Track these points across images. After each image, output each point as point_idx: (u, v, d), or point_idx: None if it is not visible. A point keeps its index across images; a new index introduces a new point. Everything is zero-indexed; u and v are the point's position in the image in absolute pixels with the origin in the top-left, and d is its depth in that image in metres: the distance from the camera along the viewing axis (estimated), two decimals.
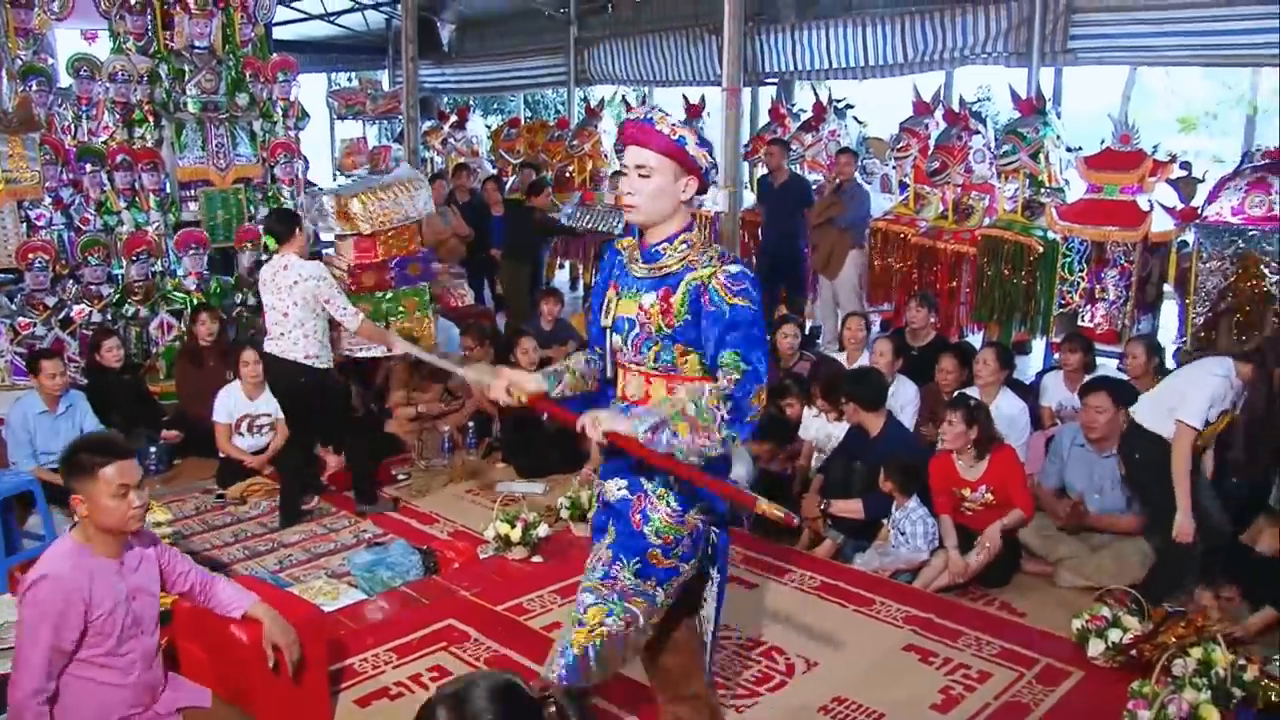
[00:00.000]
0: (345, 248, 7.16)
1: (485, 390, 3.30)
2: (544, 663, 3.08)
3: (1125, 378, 5.79)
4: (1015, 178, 8.01)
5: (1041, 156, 7.94)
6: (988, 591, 4.89)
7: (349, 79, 17.28)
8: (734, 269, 2.88)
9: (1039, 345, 8.43)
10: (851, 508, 5.29)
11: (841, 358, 6.73)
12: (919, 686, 4.06)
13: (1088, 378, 5.70)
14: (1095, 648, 4.16)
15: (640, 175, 2.90)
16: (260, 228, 5.80)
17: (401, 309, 7.16)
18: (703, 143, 2.95)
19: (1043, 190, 7.99)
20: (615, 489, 3.04)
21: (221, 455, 6.38)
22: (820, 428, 5.95)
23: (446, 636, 4.41)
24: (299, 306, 5.59)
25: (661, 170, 2.90)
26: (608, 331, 3.06)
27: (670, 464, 2.79)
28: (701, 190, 3.00)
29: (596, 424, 2.79)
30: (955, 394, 5.61)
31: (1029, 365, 8.46)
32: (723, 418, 2.74)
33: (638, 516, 2.98)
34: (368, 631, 4.43)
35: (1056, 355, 6.56)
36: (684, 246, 2.94)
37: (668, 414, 2.76)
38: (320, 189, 8.78)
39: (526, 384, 3.14)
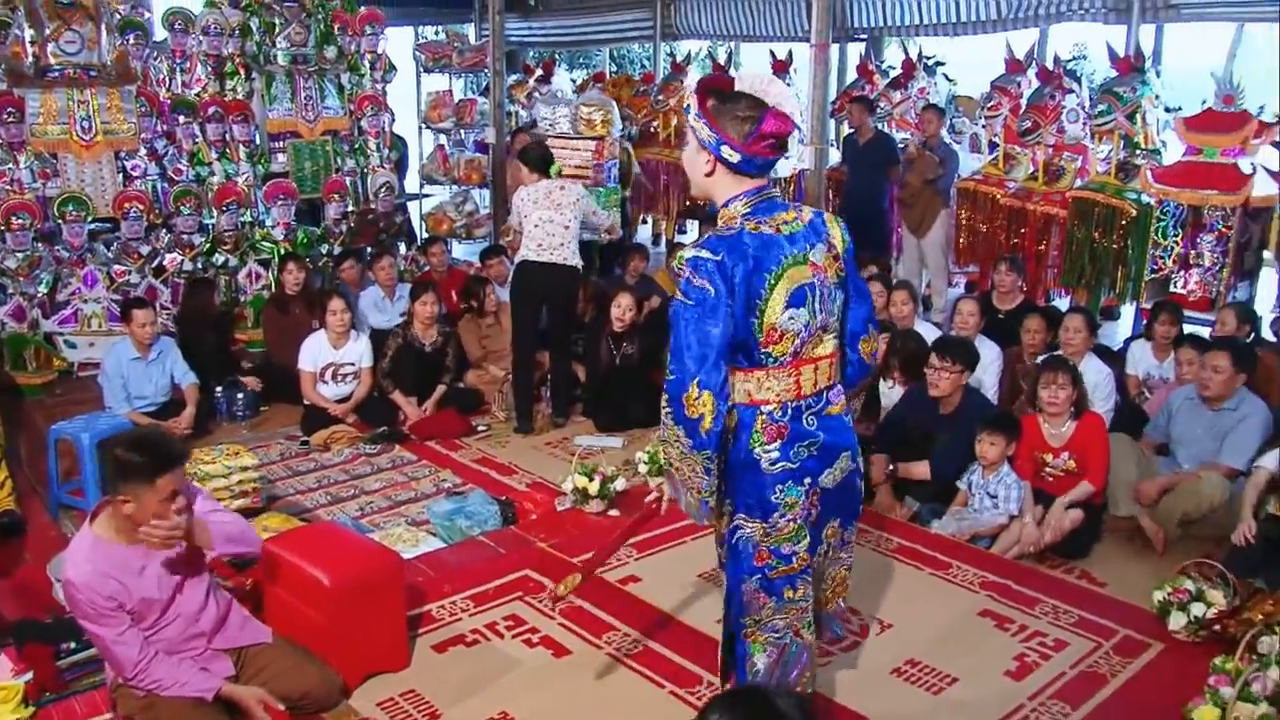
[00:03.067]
0: (583, 149, 8.95)
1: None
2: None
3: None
4: (1110, 139, 7.78)
5: (1138, 117, 7.70)
6: (1067, 560, 4.82)
7: (435, 32, 17.27)
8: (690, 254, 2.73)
9: (1128, 311, 8.23)
10: (920, 470, 5.24)
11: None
12: (993, 653, 4.02)
13: (1202, 336, 5.57)
14: (1177, 621, 4.07)
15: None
16: (519, 161, 6.64)
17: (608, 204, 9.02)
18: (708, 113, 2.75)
19: (1138, 152, 7.74)
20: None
21: (306, 403, 6.51)
22: (891, 398, 5.90)
23: (522, 586, 4.47)
24: (576, 220, 6.41)
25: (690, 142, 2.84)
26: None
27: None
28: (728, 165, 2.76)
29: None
30: (1050, 356, 5.49)
31: (1117, 332, 8.27)
32: (680, 452, 2.74)
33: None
34: (445, 579, 4.50)
35: (1146, 323, 6.39)
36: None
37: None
38: (557, 96, 10.36)
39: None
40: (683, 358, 2.66)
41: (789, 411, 2.80)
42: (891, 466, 5.31)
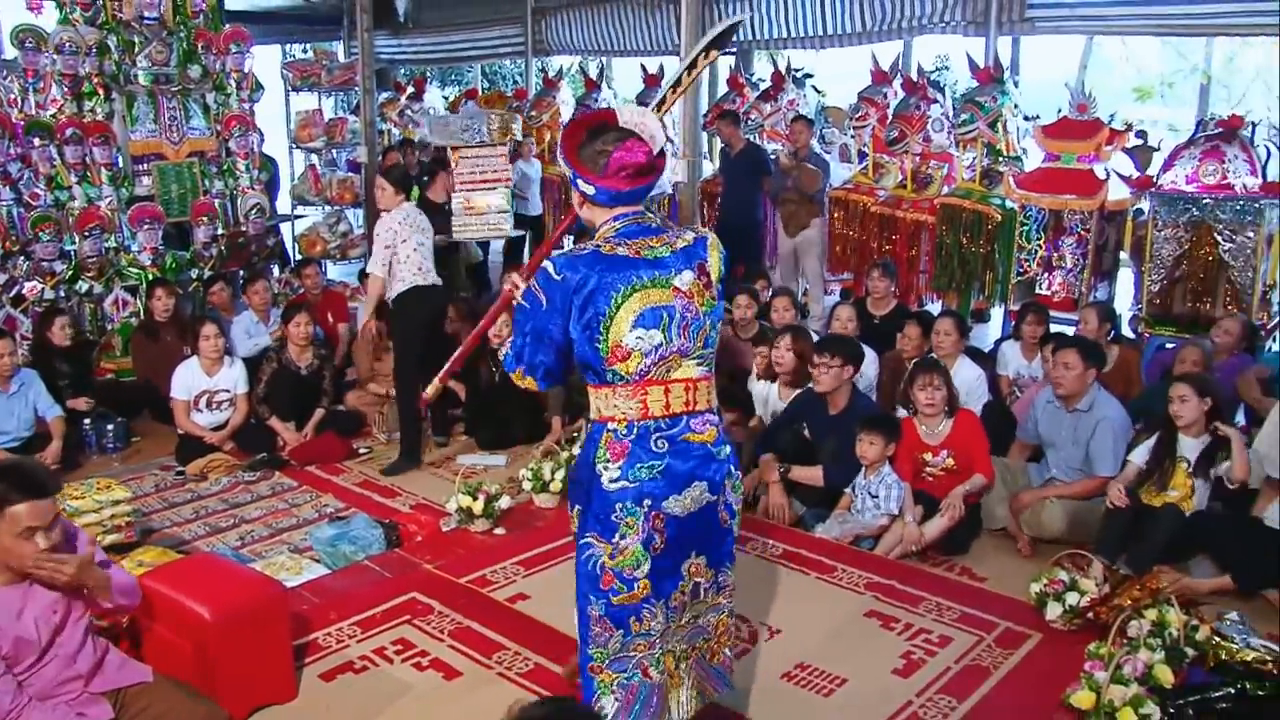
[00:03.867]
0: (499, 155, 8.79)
1: None
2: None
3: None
4: (973, 146, 8.06)
5: (999, 125, 7.99)
6: (949, 557, 4.95)
7: (304, 50, 17.01)
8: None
9: (997, 313, 8.50)
10: (812, 475, 5.32)
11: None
12: (880, 652, 4.11)
13: (1066, 335, 5.78)
14: (1053, 611, 4.22)
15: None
16: (380, 175, 6.35)
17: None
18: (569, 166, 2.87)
19: (1001, 159, 8.04)
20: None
21: (181, 432, 6.32)
22: (764, 397, 5.99)
23: (410, 610, 4.40)
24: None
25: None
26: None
27: None
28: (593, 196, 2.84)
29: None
30: (922, 359, 5.64)
31: (987, 334, 8.54)
32: None
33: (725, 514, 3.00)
34: (331, 605, 4.41)
35: (1014, 324, 6.62)
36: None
37: None
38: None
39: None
40: (515, 347, 2.88)
41: (634, 430, 2.80)
42: (783, 468, 5.38)
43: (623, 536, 2.80)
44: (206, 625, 3.49)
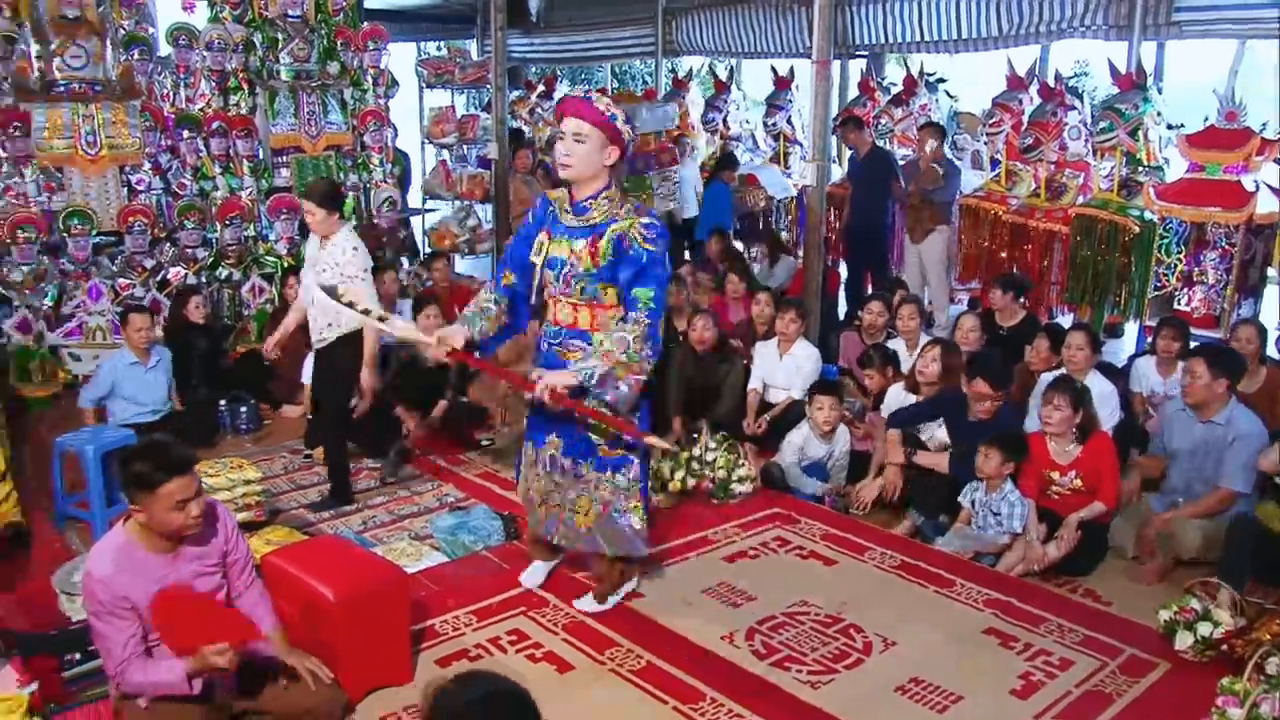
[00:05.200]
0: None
1: (420, 347, 4.46)
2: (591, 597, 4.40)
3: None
4: (1112, 155, 7.80)
5: (1140, 134, 7.72)
6: (1072, 579, 4.81)
7: (438, 48, 17.34)
8: (647, 220, 3.85)
9: (1132, 328, 8.23)
10: (937, 461, 5.23)
11: (899, 345, 6.61)
12: (998, 671, 4.01)
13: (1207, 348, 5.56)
14: (1183, 640, 4.06)
15: (576, 140, 3.78)
16: (305, 198, 5.37)
17: None
18: (628, 121, 3.85)
19: (1141, 169, 7.76)
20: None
21: (310, 416, 6.50)
22: (902, 404, 5.90)
23: (525, 601, 4.46)
24: None
25: (593, 138, 3.77)
26: (538, 267, 3.96)
27: (600, 417, 3.88)
28: (621, 157, 3.87)
29: (553, 391, 3.75)
30: (1057, 376, 5.49)
31: (1121, 349, 8.27)
32: (646, 354, 3.77)
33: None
34: (449, 593, 4.50)
35: (1150, 339, 6.39)
36: (606, 202, 3.86)
37: (608, 366, 3.74)
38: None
39: (455, 338, 3.97)
40: (664, 294, 3.96)
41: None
42: (911, 451, 5.30)
43: None
44: (329, 605, 3.58)
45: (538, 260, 3.98)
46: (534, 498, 4.31)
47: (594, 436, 4.07)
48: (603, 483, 4.14)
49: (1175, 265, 7.30)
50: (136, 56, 7.82)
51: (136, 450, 3.11)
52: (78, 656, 3.72)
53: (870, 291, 8.24)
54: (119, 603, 3.01)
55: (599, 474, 4.12)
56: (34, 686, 3.39)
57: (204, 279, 7.80)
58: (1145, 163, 7.79)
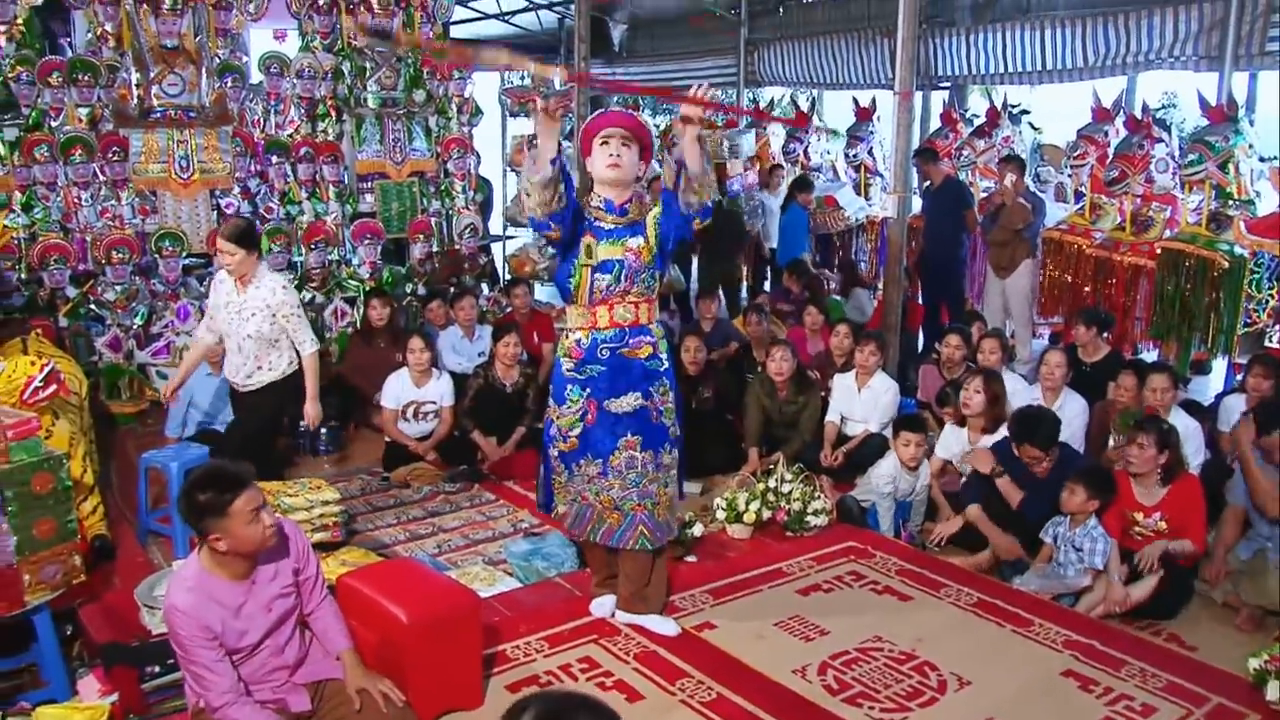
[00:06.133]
0: None
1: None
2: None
3: None
4: (1200, 189, 7.63)
5: (1231, 167, 7.54)
6: (1156, 622, 4.68)
7: (521, 77, 17.59)
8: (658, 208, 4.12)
9: (1219, 365, 8.03)
10: (1011, 491, 5.15)
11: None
12: (1077, 715, 3.91)
13: None
14: (1274, 691, 3.92)
15: (624, 144, 4.02)
16: (225, 238, 5.19)
17: None
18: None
19: (1231, 202, 7.58)
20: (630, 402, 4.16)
21: (388, 440, 6.60)
22: (960, 445, 5.80)
23: (597, 629, 4.45)
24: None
25: (635, 146, 4.06)
26: (588, 270, 4.05)
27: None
28: (647, 166, 4.22)
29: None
30: (1145, 417, 5.37)
31: (1208, 386, 8.07)
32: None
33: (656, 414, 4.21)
34: (521, 619, 4.51)
35: (1239, 377, 6.22)
36: (637, 203, 4.11)
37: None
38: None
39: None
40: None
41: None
42: (999, 470, 5.24)
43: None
44: (403, 627, 3.61)
45: (590, 263, 4.04)
46: (594, 508, 4.25)
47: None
48: (675, 465, 4.33)
49: (1267, 301, 7.12)
50: (230, 84, 8.03)
51: (192, 484, 3.14)
52: (157, 669, 3.80)
53: (947, 324, 8.13)
54: (202, 633, 3.07)
55: (673, 456, 4.29)
56: (114, 697, 3.47)
57: None
58: (1236, 196, 7.61)
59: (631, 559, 4.33)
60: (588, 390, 4.14)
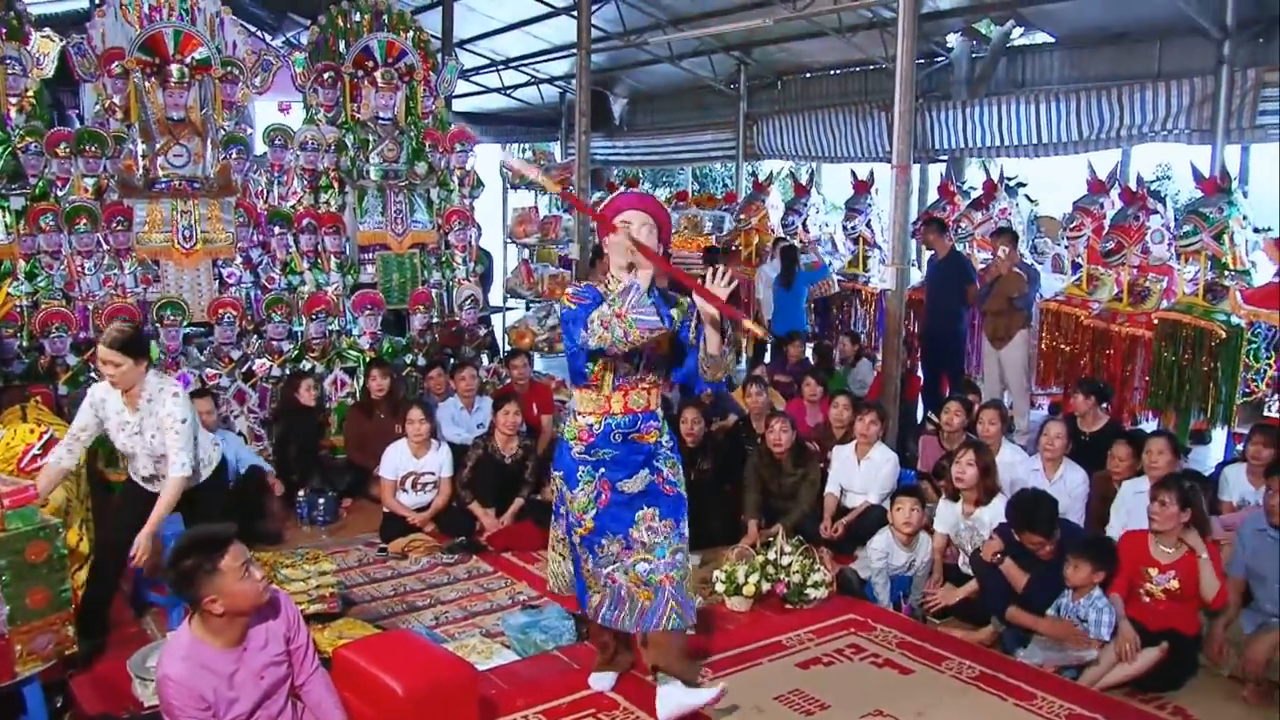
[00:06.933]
0: None
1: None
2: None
3: None
4: (1196, 259, 7.70)
5: (1225, 238, 7.61)
6: (1160, 695, 4.63)
7: (522, 150, 17.83)
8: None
9: (1219, 435, 8.03)
10: (1016, 577, 5.09)
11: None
12: None
13: None
14: None
15: (645, 228, 4.00)
16: (109, 346, 4.53)
17: None
18: None
19: (1226, 273, 7.64)
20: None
21: (385, 510, 6.57)
22: (955, 518, 5.76)
23: (596, 703, 4.40)
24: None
25: (654, 229, 4.05)
26: (615, 358, 4.02)
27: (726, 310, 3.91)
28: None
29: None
30: (1166, 475, 5.33)
31: (1208, 456, 8.05)
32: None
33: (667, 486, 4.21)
34: (519, 692, 4.46)
35: (1239, 446, 6.21)
36: (656, 287, 3.94)
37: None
38: None
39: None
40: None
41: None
42: (1000, 556, 5.17)
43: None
44: (399, 700, 3.59)
45: (621, 348, 3.92)
46: (625, 588, 4.11)
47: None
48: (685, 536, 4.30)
49: (1264, 371, 7.14)
50: (234, 156, 8.13)
51: (177, 553, 3.15)
52: None
53: (947, 394, 8.14)
54: (195, 702, 3.05)
55: (685, 528, 4.29)
56: None
57: (288, 371, 7.98)
58: (1231, 267, 7.67)
59: (665, 639, 4.15)
60: (600, 471, 4.14)
